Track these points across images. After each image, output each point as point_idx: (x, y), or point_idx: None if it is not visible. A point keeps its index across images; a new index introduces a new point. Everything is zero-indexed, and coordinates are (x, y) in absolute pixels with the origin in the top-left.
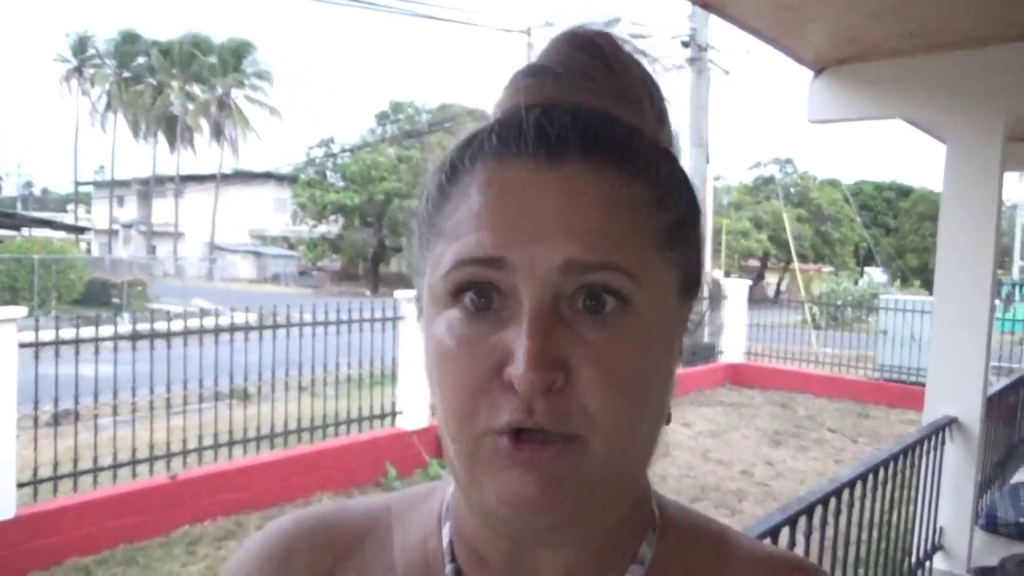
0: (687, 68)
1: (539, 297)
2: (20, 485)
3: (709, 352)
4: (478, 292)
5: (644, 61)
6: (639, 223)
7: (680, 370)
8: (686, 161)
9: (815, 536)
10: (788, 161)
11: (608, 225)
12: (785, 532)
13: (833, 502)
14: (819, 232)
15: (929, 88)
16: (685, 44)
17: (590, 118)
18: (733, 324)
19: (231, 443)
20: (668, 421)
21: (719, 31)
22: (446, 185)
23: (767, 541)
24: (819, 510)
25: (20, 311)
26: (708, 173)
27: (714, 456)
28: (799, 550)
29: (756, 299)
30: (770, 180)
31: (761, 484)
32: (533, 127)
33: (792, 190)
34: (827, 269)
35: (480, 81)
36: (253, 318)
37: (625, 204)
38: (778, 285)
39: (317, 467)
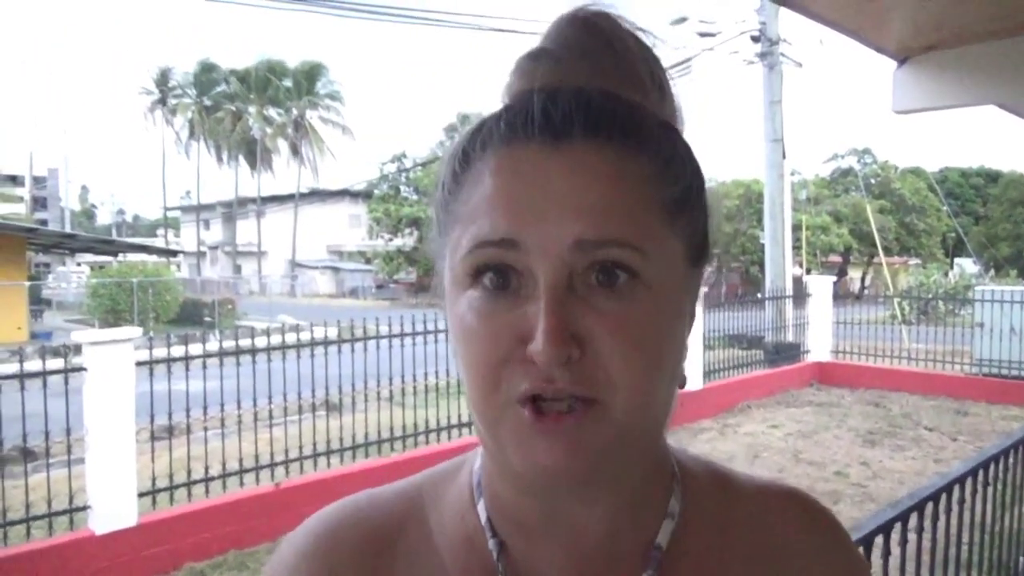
0: (758, 63)
1: (554, 275)
2: (140, 494)
3: (794, 351)
4: (496, 272)
5: (645, 37)
6: (645, 196)
7: (764, 371)
8: (762, 157)
9: (926, 533)
10: (866, 151)
11: (616, 201)
12: (896, 528)
13: (944, 498)
14: (903, 223)
15: None
16: (755, 39)
17: (593, 98)
18: (818, 322)
19: (328, 452)
20: (683, 385)
21: (790, 23)
22: (459, 172)
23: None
24: (930, 507)
25: (135, 331)
26: (785, 168)
27: (805, 457)
28: (910, 547)
29: (840, 295)
30: (848, 172)
31: (857, 485)
32: (539, 111)
33: (872, 181)
34: (914, 261)
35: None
36: (333, 332)
37: (631, 179)
38: (862, 280)
39: (407, 475)
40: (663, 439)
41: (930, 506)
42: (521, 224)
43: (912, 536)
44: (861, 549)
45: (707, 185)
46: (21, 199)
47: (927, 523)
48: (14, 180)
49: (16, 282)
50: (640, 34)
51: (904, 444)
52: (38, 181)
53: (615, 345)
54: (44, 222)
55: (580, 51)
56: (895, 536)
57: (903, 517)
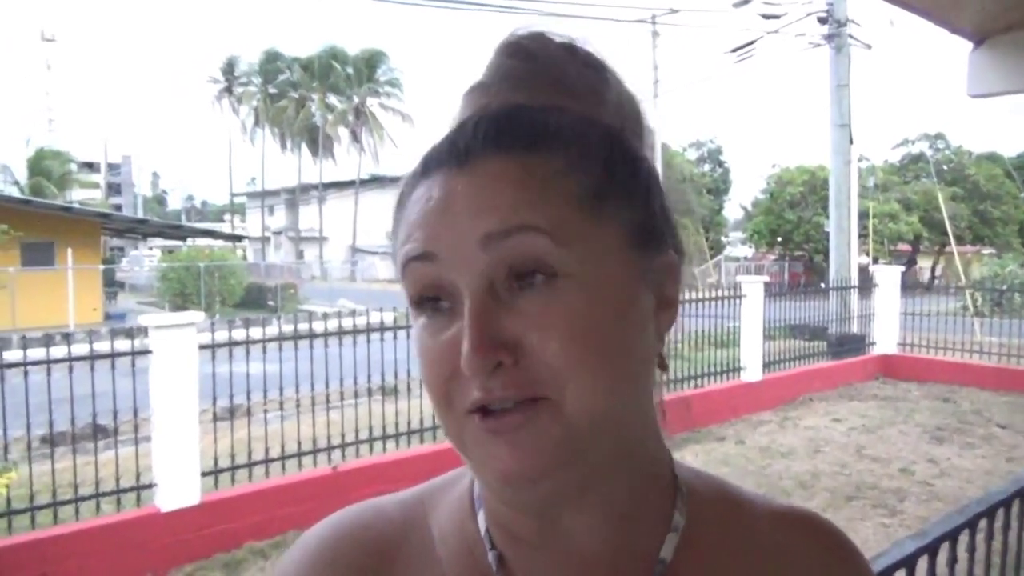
0: (825, 46)
1: (473, 283)
2: (203, 474)
3: (859, 343)
4: (431, 298)
5: (588, 47)
6: (553, 188)
7: (827, 363)
8: (827, 143)
9: (995, 542)
10: (939, 136)
11: (520, 197)
12: (964, 536)
13: (1017, 504)
14: (977, 211)
15: None
16: (822, 20)
17: (497, 115)
18: (884, 313)
19: (384, 437)
20: (665, 369)
21: (859, 3)
22: (397, 214)
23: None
24: (1000, 513)
25: (199, 315)
26: (852, 154)
27: (869, 453)
28: (979, 556)
29: (908, 285)
30: (919, 158)
31: (923, 483)
32: (446, 142)
33: (944, 167)
34: (988, 251)
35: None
36: (390, 317)
37: (537, 177)
38: (932, 270)
39: (459, 462)
40: (656, 445)
41: (1001, 512)
42: (435, 237)
43: (981, 544)
44: (926, 557)
45: (647, 165)
46: (97, 185)
47: (997, 530)
48: (90, 167)
49: (92, 265)
50: (578, 44)
51: (974, 442)
52: (112, 168)
53: (547, 341)
54: (119, 207)
55: (503, 74)
56: (963, 542)
57: (971, 523)
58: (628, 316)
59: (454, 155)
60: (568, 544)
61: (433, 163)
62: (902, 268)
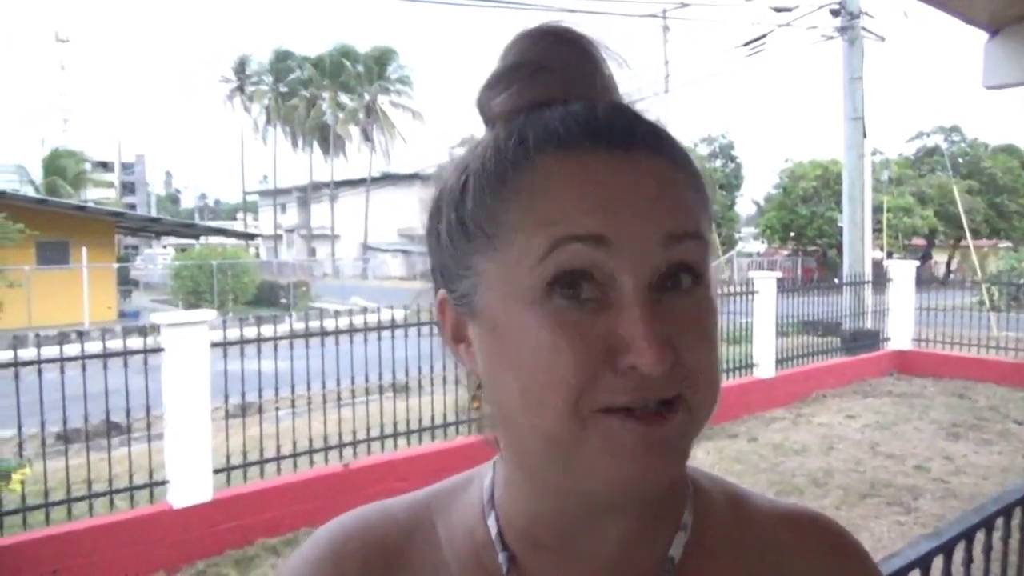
0: (838, 38)
1: (642, 278)
2: (215, 471)
3: (873, 339)
4: (568, 284)
5: (603, 50)
6: (702, 201)
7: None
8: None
9: (1012, 541)
10: (954, 129)
11: (688, 201)
12: (980, 535)
13: None
14: (993, 204)
15: None
16: (835, 12)
17: (635, 112)
18: (899, 308)
19: (395, 435)
20: None
21: None
22: (508, 182)
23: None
24: (1018, 512)
25: (211, 313)
26: (865, 148)
27: (884, 450)
28: (995, 556)
29: (923, 280)
30: (934, 151)
31: (939, 480)
32: (604, 121)
33: (960, 160)
34: (1004, 245)
35: (617, 68)
36: (402, 315)
37: (688, 186)
38: (948, 264)
39: (472, 459)
40: None
41: (1018, 511)
42: (611, 221)
43: (998, 544)
44: (941, 556)
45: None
46: (111, 184)
47: (1015, 529)
48: (104, 166)
49: (106, 264)
50: (601, 47)
51: (990, 438)
52: (126, 167)
53: (692, 343)
54: (133, 206)
55: (567, 63)
56: (979, 541)
57: (988, 522)
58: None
59: (614, 138)
60: (586, 547)
61: (586, 136)
62: (917, 263)
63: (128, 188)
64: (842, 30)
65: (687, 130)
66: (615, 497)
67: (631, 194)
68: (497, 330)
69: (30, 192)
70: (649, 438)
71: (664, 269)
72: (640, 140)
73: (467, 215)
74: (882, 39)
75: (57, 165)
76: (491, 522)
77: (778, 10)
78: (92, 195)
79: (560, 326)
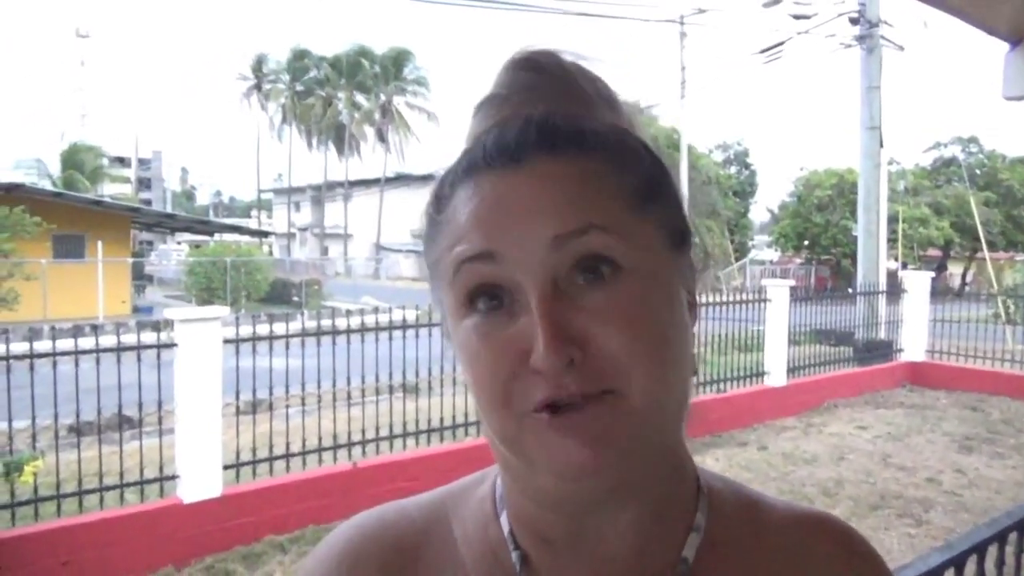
0: (856, 47)
1: (540, 282)
2: (225, 467)
3: (886, 350)
4: (487, 295)
5: (590, 64)
6: (607, 189)
7: (853, 369)
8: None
9: None
10: (972, 140)
11: (580, 196)
12: (993, 548)
13: None
14: (1011, 216)
15: None
16: (854, 21)
17: (538, 119)
18: (913, 319)
19: (404, 435)
20: (695, 372)
21: (891, 4)
22: (435, 215)
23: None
24: None
25: (223, 310)
26: (882, 157)
27: (895, 461)
28: (1008, 571)
29: (938, 292)
30: (951, 162)
31: (950, 493)
32: (493, 141)
33: (977, 171)
34: (1020, 257)
35: (634, 73)
36: (413, 315)
37: (589, 176)
38: (963, 276)
39: (482, 461)
40: (683, 444)
41: None
42: (496, 236)
43: (1010, 558)
44: (952, 570)
45: (671, 174)
46: (127, 180)
47: None
48: (121, 161)
49: (121, 258)
50: (582, 61)
51: (1004, 452)
52: (143, 163)
53: (613, 334)
54: (148, 202)
55: (522, 86)
56: (991, 555)
57: (1001, 536)
58: (676, 311)
59: (506, 155)
60: (596, 546)
61: (479, 163)
62: (932, 274)
63: (144, 184)
64: (861, 39)
65: (702, 137)
66: (570, 491)
67: (514, 204)
68: (454, 343)
69: (47, 186)
70: (568, 429)
71: (570, 267)
72: (532, 148)
73: (424, 251)
74: (901, 48)
75: (75, 159)
76: (504, 520)
77: (797, 17)
78: (108, 190)
79: (480, 336)
